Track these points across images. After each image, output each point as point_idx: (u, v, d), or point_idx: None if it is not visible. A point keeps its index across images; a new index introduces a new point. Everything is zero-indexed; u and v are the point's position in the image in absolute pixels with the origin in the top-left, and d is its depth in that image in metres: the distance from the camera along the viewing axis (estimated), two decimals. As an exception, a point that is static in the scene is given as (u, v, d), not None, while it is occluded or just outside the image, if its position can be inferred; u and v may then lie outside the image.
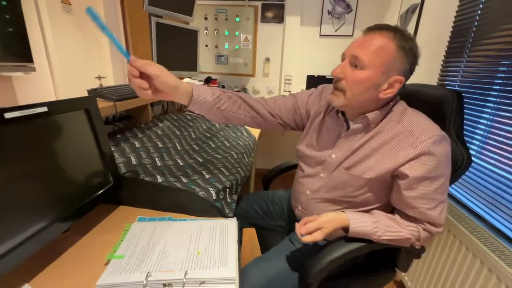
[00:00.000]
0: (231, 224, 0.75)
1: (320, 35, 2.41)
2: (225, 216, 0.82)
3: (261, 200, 1.10)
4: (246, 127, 1.75)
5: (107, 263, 0.60)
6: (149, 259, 0.60)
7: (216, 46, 2.48)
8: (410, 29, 1.73)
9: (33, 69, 1.79)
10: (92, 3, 2.43)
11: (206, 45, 2.47)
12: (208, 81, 1.99)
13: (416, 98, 0.83)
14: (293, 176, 0.99)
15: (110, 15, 2.54)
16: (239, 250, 0.66)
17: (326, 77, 2.37)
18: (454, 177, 0.75)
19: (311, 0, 2.33)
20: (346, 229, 0.72)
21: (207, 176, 0.94)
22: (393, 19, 2.11)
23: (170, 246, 0.65)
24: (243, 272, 0.79)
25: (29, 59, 1.77)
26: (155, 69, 0.61)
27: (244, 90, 2.52)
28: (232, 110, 0.80)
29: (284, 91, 2.57)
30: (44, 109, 0.56)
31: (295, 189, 0.93)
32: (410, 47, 0.65)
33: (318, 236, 0.68)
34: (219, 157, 1.15)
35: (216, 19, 2.39)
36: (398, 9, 1.98)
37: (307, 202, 0.87)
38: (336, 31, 2.38)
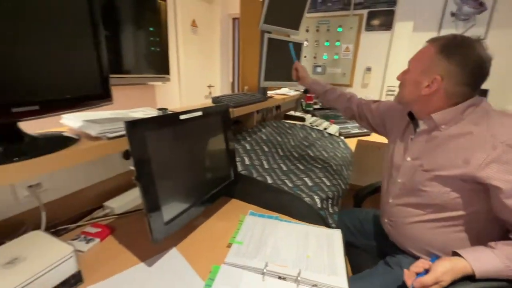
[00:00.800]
0: (337, 235, 0.75)
1: (437, 41, 2.11)
2: (328, 226, 0.83)
3: (354, 218, 1.10)
4: (343, 138, 1.70)
5: (228, 246, 0.70)
6: (264, 250, 0.67)
7: (315, 57, 2.51)
8: None
9: (169, 79, 2.26)
10: (212, 25, 2.89)
11: (305, 56, 2.54)
12: (306, 92, 2.03)
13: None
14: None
15: (223, 34, 2.96)
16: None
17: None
18: None
19: (429, 2, 2.07)
20: (470, 276, 0.64)
21: (310, 184, 0.97)
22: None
23: (280, 243, 0.70)
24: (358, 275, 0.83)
25: (167, 71, 2.26)
26: (302, 69, 1.24)
27: (339, 100, 2.46)
28: (333, 101, 1.20)
29: (385, 103, 2.36)
30: (200, 113, 0.71)
31: (382, 203, 0.96)
32: (453, 51, 0.69)
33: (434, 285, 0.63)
34: (319, 166, 1.16)
35: (317, 30, 2.43)
36: None
37: (391, 211, 0.88)
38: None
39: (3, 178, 0.52)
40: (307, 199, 0.84)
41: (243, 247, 0.68)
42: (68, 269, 0.54)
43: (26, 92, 0.54)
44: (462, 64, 0.69)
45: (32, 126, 0.62)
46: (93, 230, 0.74)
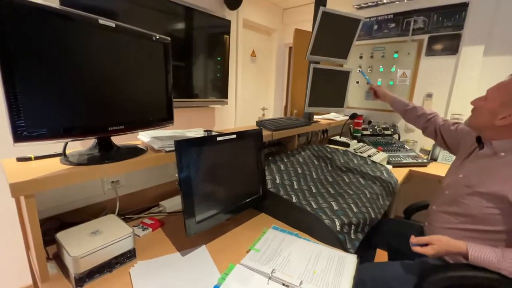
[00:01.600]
0: (350, 259, 0.78)
1: (517, 65, 1.85)
2: (345, 250, 0.85)
3: (402, 226, 1.24)
4: (388, 167, 1.63)
5: (248, 251, 0.81)
6: (275, 260, 0.76)
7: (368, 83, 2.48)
8: None
9: (226, 103, 2.57)
10: (269, 53, 3.17)
11: (357, 82, 2.54)
12: (353, 117, 2.03)
13: None
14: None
15: (279, 61, 3.20)
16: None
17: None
18: None
19: (505, 24, 1.86)
20: (465, 256, 0.79)
21: (335, 208, 1.01)
22: None
23: (292, 257, 0.78)
24: (365, 265, 0.97)
25: (226, 95, 2.57)
26: (379, 88, 1.39)
27: (394, 127, 2.33)
28: (413, 120, 1.30)
29: (449, 132, 2.14)
30: (234, 136, 0.88)
31: (428, 210, 1.09)
32: None
33: (427, 250, 0.81)
34: (351, 192, 1.18)
35: (371, 57, 2.42)
36: None
37: (432, 215, 1.02)
38: (548, 58, 1.74)
39: (98, 174, 0.76)
40: (327, 221, 0.90)
41: (259, 254, 0.79)
42: (127, 244, 0.74)
43: (116, 116, 0.80)
44: None
45: (120, 139, 0.88)
46: (149, 221, 0.95)
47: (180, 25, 2.13)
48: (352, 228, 0.94)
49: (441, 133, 1.20)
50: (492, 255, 0.76)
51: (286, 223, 1.01)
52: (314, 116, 2.05)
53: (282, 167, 1.26)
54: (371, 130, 2.28)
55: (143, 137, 0.99)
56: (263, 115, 3.28)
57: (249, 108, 3.07)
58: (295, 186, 1.13)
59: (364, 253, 1.37)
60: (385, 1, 2.20)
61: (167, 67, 0.94)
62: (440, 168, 1.90)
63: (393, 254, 1.26)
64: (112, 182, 0.91)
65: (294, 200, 1.00)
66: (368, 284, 0.90)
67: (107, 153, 0.83)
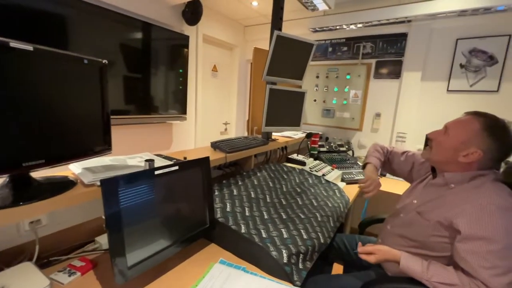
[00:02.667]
0: (294, 295, 0.77)
1: (448, 90, 2.09)
2: (292, 282, 0.84)
3: (353, 240, 1.31)
4: (340, 186, 1.69)
5: (189, 293, 0.75)
6: (217, 303, 0.71)
7: (324, 101, 2.60)
8: None
9: (185, 118, 2.49)
10: (231, 68, 3.17)
11: (315, 100, 2.65)
12: (309, 136, 2.10)
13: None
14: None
15: (242, 76, 3.22)
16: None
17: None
18: None
19: (437, 54, 2.10)
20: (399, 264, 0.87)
21: (285, 236, 1.00)
22: None
23: (236, 297, 0.74)
24: (315, 278, 1.05)
25: (185, 111, 2.49)
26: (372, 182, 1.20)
27: (348, 143, 2.46)
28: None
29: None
30: (175, 168, 0.82)
31: (382, 228, 1.16)
32: (498, 132, 0.82)
33: (370, 258, 0.91)
34: (303, 216, 1.18)
35: (327, 77, 2.55)
36: None
37: (386, 234, 1.10)
38: (471, 86, 2.00)
39: (10, 219, 0.65)
40: (274, 253, 0.88)
41: (200, 297, 0.73)
42: (41, 301, 0.63)
43: (34, 149, 0.70)
44: (503, 145, 0.82)
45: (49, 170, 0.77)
46: (78, 264, 0.84)
47: (137, 38, 2.04)
48: (300, 257, 0.93)
49: (389, 162, 1.31)
50: (418, 266, 0.83)
51: (235, 254, 0.96)
52: (274, 133, 2.08)
53: (235, 192, 1.22)
54: (327, 147, 2.38)
55: (74, 167, 0.88)
56: (226, 129, 3.25)
57: (210, 123, 3.01)
58: (247, 213, 1.10)
59: (322, 268, 1.41)
60: (337, 27, 2.35)
61: (103, 91, 0.86)
62: (389, 183, 2.04)
63: (348, 267, 1.32)
64: (31, 222, 0.79)
65: (243, 230, 0.96)
66: None
67: (23, 191, 0.72)
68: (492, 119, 0.85)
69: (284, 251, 0.89)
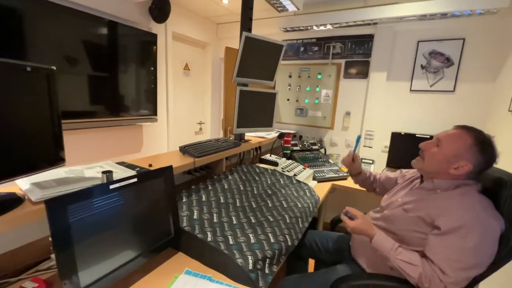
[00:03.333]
0: (258, 301, 0.78)
1: (410, 90, 2.21)
2: (257, 288, 0.85)
3: (324, 238, 1.37)
4: (310, 186, 1.74)
5: (151, 309, 0.74)
6: (179, 317, 0.70)
7: (297, 100, 2.64)
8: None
9: (156, 120, 2.41)
10: (204, 67, 3.10)
11: (288, 99, 2.68)
12: (281, 137, 2.13)
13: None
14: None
15: (215, 74, 3.16)
16: None
17: (416, 135, 2.10)
18: (501, 257, 0.82)
19: (400, 55, 2.21)
20: (371, 239, 0.96)
21: (252, 241, 1.00)
22: (508, 77, 1.73)
23: (199, 309, 0.73)
24: (285, 279, 1.15)
25: (155, 112, 2.41)
26: (357, 159, 1.38)
27: (321, 142, 2.53)
28: (363, 185, 1.46)
29: (364, 146, 2.42)
30: (135, 180, 0.79)
31: None
32: (487, 148, 0.88)
33: (348, 223, 1.02)
34: (272, 219, 1.20)
35: (299, 76, 2.58)
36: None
37: None
38: (431, 86, 2.12)
39: None
40: (239, 260, 0.88)
41: (162, 312, 0.72)
42: (-18, 333, 0.59)
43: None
44: (490, 159, 0.89)
45: None
46: (30, 285, 0.78)
47: (101, 37, 1.92)
48: (267, 262, 0.95)
49: (377, 187, 1.42)
50: (390, 244, 0.92)
51: (202, 262, 0.96)
52: (247, 134, 2.07)
53: (204, 198, 1.21)
54: (300, 145, 2.42)
55: (23, 183, 0.82)
56: (200, 129, 3.19)
57: (184, 124, 2.94)
58: (215, 220, 1.09)
59: (295, 265, 1.51)
60: (308, 27, 2.38)
61: (52, 99, 0.80)
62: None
63: (318, 264, 1.38)
64: (-28, 245, 0.73)
65: (209, 239, 0.96)
66: None
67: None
68: (482, 134, 0.91)
69: (250, 257, 0.90)
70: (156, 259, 0.94)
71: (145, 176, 0.84)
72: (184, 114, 2.93)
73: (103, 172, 0.84)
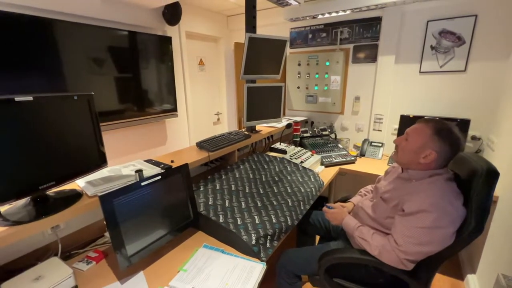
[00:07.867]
0: (258, 267, 1.00)
1: (420, 72, 2.19)
2: (259, 258, 1.07)
3: (326, 218, 1.49)
4: (316, 171, 1.89)
5: (178, 272, 0.99)
6: (198, 277, 0.95)
7: (307, 88, 2.72)
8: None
9: (177, 115, 2.66)
10: (218, 59, 3.26)
11: (298, 87, 2.77)
12: (289, 126, 2.27)
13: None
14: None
15: (229, 65, 3.31)
16: None
17: (425, 118, 2.12)
18: (463, 239, 0.94)
19: (409, 37, 2.18)
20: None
21: (256, 222, 1.22)
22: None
23: (213, 272, 0.98)
24: (287, 251, 1.36)
25: (175, 108, 2.66)
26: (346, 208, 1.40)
27: (331, 127, 2.62)
28: None
29: (374, 129, 2.48)
30: (158, 177, 1.03)
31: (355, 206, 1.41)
32: (446, 135, 0.99)
33: (328, 216, 1.31)
34: (275, 203, 1.40)
35: (308, 64, 2.65)
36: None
37: (357, 209, 1.32)
38: (441, 67, 2.09)
39: (36, 229, 0.88)
40: (244, 237, 1.10)
41: (186, 274, 0.97)
42: (68, 284, 0.88)
43: (46, 174, 0.90)
44: (452, 144, 0.99)
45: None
46: (93, 254, 1.09)
47: (123, 46, 2.16)
48: (268, 238, 1.16)
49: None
50: (353, 223, 1.17)
51: (217, 239, 1.20)
52: (258, 125, 2.25)
53: (218, 186, 1.44)
54: (311, 132, 2.55)
55: (80, 182, 1.10)
56: (218, 119, 3.41)
57: (203, 115, 3.18)
58: (226, 205, 1.32)
59: (303, 240, 1.74)
60: (313, 16, 2.40)
61: (93, 117, 1.04)
62: (367, 163, 2.23)
63: (321, 240, 1.58)
64: (53, 227, 1.02)
65: (221, 220, 1.19)
66: (286, 266, 1.29)
67: (43, 207, 0.93)
68: (440, 124, 1.02)
69: (253, 235, 1.12)
70: (181, 237, 1.20)
71: (167, 173, 1.07)
72: (202, 107, 3.16)
73: (136, 171, 1.09)
